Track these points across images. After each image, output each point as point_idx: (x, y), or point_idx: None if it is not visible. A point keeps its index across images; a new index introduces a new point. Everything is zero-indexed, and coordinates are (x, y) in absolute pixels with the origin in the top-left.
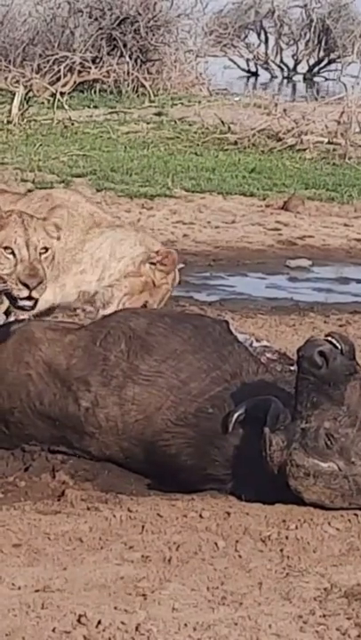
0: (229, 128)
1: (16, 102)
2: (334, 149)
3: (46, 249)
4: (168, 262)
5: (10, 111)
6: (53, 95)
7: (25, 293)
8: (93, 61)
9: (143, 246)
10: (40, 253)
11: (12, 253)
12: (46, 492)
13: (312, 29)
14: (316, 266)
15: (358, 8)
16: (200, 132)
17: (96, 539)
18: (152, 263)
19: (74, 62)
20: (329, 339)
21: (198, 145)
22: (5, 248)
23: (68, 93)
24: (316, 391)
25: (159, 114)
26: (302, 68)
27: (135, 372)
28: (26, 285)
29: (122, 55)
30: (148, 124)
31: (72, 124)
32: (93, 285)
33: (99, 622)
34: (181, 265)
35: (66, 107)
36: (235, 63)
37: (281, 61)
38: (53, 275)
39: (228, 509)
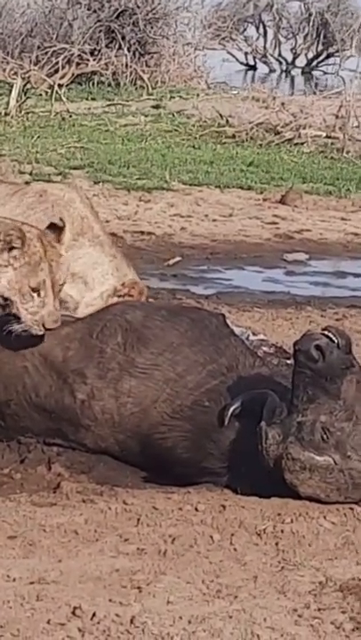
0: (227, 121)
1: (14, 94)
2: (332, 143)
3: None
4: (134, 293)
5: (8, 103)
6: (51, 87)
7: (41, 333)
8: (92, 53)
9: (115, 277)
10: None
11: (38, 294)
12: (42, 484)
13: (311, 23)
14: (314, 260)
15: (357, 2)
16: (198, 126)
17: (91, 531)
18: (119, 295)
19: (72, 54)
20: (326, 333)
21: (196, 138)
22: (33, 289)
23: (66, 85)
24: (313, 385)
25: (157, 107)
26: (301, 61)
27: (131, 365)
28: (48, 329)
29: (120, 47)
30: (145, 116)
31: (70, 117)
32: (69, 299)
33: (93, 614)
34: (178, 258)
35: (64, 99)
36: (233, 56)
37: (279, 55)
38: None
39: (224, 503)
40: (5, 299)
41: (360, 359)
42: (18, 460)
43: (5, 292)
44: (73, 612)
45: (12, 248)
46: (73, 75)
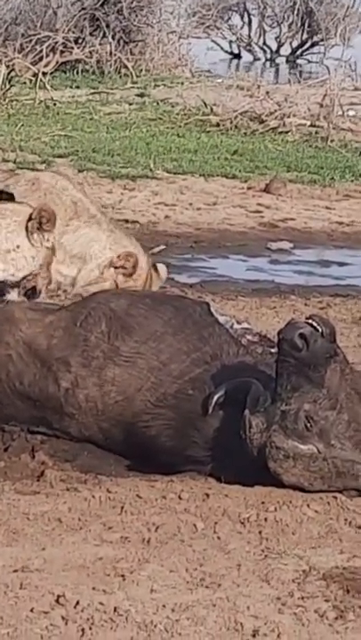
0: (212, 110)
1: None
2: (317, 132)
3: None
4: (128, 265)
5: None
6: (35, 75)
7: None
8: (76, 41)
9: (113, 250)
10: None
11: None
12: (25, 472)
13: (295, 12)
14: (298, 248)
15: None
16: (182, 114)
17: (75, 519)
18: (115, 267)
19: (56, 42)
20: (310, 321)
21: (180, 126)
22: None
23: (51, 73)
24: (297, 374)
25: (142, 95)
26: (285, 50)
27: (115, 353)
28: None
29: (104, 36)
30: (130, 104)
31: (54, 105)
32: (69, 280)
33: (77, 603)
34: (162, 246)
35: (48, 87)
36: (218, 45)
37: (264, 43)
38: None
39: (208, 491)
40: (26, 278)
41: (344, 348)
42: (1, 447)
43: (36, 269)
44: (56, 601)
45: (40, 228)
46: (57, 63)
